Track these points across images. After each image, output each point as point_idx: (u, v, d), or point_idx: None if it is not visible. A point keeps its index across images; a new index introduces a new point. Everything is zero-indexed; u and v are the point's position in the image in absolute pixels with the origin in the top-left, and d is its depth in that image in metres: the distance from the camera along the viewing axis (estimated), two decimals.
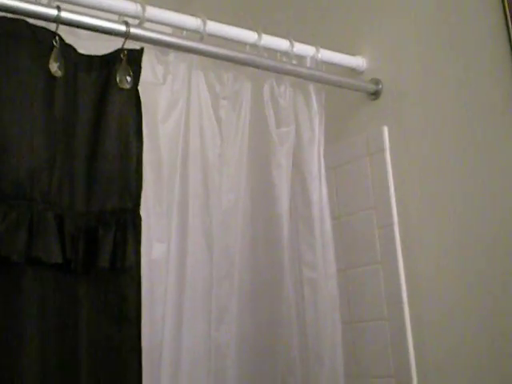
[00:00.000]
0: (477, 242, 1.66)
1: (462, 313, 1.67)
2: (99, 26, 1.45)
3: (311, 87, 1.83)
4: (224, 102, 1.69)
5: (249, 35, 1.73)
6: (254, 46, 1.72)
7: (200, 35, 1.62)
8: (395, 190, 1.84)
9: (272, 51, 1.77)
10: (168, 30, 1.66)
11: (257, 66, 1.72)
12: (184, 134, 1.60)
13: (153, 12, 1.56)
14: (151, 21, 1.56)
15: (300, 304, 1.74)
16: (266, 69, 1.74)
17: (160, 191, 1.54)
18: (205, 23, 1.62)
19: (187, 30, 1.63)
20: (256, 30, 1.73)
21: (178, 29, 1.65)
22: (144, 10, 1.53)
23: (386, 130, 1.87)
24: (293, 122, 1.79)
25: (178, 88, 1.60)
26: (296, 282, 1.75)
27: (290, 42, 1.78)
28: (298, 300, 1.74)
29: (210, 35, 1.64)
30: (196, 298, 1.56)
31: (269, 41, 1.75)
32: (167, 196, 1.56)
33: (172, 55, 1.59)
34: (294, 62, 1.79)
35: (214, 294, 1.60)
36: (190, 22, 1.62)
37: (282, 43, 1.78)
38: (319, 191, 1.78)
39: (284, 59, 1.79)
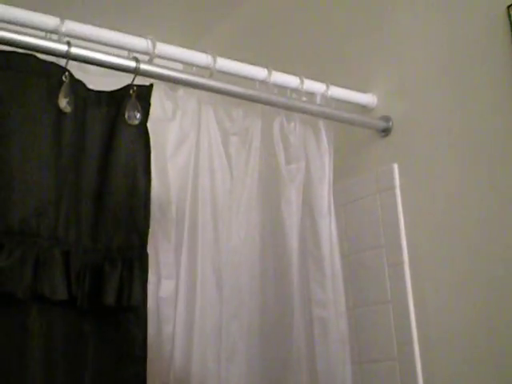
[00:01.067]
0: (488, 281, 1.63)
1: (474, 354, 1.64)
2: (109, 62, 1.45)
3: (321, 124, 1.82)
4: (234, 138, 1.69)
5: (259, 72, 1.72)
6: (263, 82, 1.72)
7: (210, 71, 1.61)
8: (405, 227, 1.82)
9: (282, 88, 1.77)
10: (178, 65, 1.65)
11: (267, 103, 1.71)
12: (194, 169, 1.60)
13: (163, 48, 1.56)
14: (161, 57, 1.56)
15: (310, 343, 1.70)
16: (276, 105, 1.73)
17: (169, 227, 1.53)
18: (215, 60, 1.62)
19: (197, 66, 1.63)
20: (266, 67, 1.73)
21: (188, 65, 1.65)
22: (154, 46, 1.54)
23: (396, 167, 1.86)
24: (303, 159, 1.78)
25: (188, 124, 1.60)
26: (306, 320, 1.72)
27: (300, 78, 1.77)
28: (308, 339, 1.71)
29: (220, 71, 1.64)
30: (205, 337, 1.53)
31: (279, 77, 1.75)
32: (176, 232, 1.54)
33: (181, 91, 1.59)
34: (304, 98, 1.79)
35: (223, 333, 1.57)
36: (200, 58, 1.62)
37: (291, 80, 1.78)
38: (329, 229, 1.76)
39: (294, 96, 1.78)
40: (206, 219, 1.59)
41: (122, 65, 1.46)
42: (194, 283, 1.54)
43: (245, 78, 1.71)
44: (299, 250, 1.72)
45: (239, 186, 1.69)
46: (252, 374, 1.64)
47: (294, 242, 1.71)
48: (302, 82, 1.77)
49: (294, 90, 1.78)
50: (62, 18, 1.41)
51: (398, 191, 1.84)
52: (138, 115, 1.46)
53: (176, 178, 1.55)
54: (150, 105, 1.48)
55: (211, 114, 1.65)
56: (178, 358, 1.49)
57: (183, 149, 1.58)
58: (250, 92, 1.67)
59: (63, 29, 1.41)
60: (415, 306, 1.77)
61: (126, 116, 1.44)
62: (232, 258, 1.64)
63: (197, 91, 1.61)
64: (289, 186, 1.74)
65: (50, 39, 1.39)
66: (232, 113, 1.69)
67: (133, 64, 1.47)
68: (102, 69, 1.46)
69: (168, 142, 1.56)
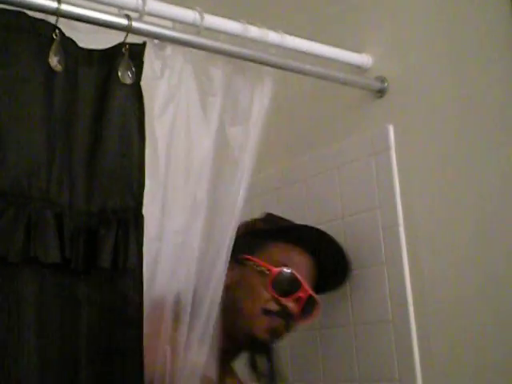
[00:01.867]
0: (486, 242, 1.62)
1: (469, 318, 1.64)
2: (100, 20, 1.40)
3: (265, 79, 1.70)
4: (211, 98, 1.62)
5: (249, 30, 1.66)
6: (258, 41, 1.67)
7: (197, 29, 1.57)
8: (400, 190, 1.80)
9: (270, 46, 1.70)
10: (166, 23, 1.60)
11: (257, 61, 1.66)
12: (178, 129, 1.54)
13: (152, 5, 1.51)
14: (151, 15, 1.52)
15: None
16: (265, 64, 1.68)
17: (156, 188, 1.49)
18: (202, 17, 1.57)
19: (186, 23, 1.58)
20: (256, 25, 1.67)
21: (177, 22, 1.60)
22: (144, 3, 1.49)
23: (391, 128, 1.83)
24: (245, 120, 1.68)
25: (175, 83, 1.55)
26: None
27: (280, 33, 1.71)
28: None
29: (208, 29, 1.59)
30: None
31: (270, 36, 1.69)
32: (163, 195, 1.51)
33: (169, 49, 1.55)
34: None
35: None
36: (188, 15, 1.57)
37: (283, 39, 1.72)
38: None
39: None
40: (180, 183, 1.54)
41: (114, 22, 1.42)
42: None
43: (236, 36, 1.65)
44: None
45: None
46: None
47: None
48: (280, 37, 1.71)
49: (285, 49, 1.73)
50: None
51: (393, 153, 1.82)
52: (131, 74, 1.42)
53: (163, 138, 1.51)
54: (143, 63, 1.44)
55: (193, 74, 1.59)
56: None
57: (170, 108, 1.54)
58: (241, 50, 1.63)
59: None
60: (410, 268, 1.75)
61: (119, 75, 1.40)
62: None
63: (182, 50, 1.56)
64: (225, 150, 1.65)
65: None
66: (211, 72, 1.63)
67: (125, 21, 1.43)
68: (91, 27, 1.41)
69: (156, 101, 1.52)
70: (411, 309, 1.74)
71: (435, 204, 1.73)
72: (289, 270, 1.70)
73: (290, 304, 1.69)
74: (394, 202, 1.80)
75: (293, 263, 1.72)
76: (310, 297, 1.72)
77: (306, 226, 1.79)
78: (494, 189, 1.62)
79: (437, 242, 1.72)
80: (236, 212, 1.60)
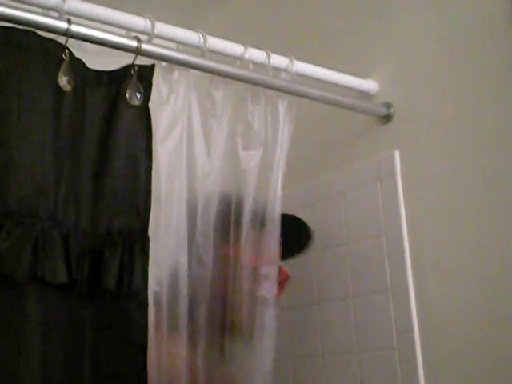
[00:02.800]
0: (491, 269, 1.61)
1: (476, 343, 1.63)
2: (110, 41, 1.41)
3: (280, 106, 1.72)
4: (212, 120, 1.62)
5: (255, 54, 1.68)
6: (262, 65, 1.68)
7: (201, 51, 1.57)
8: (406, 216, 1.79)
9: (279, 71, 1.72)
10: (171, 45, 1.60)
11: (266, 86, 1.67)
12: (180, 154, 1.54)
13: (162, 28, 1.52)
14: (159, 37, 1.52)
15: None
16: (276, 89, 1.69)
17: (158, 213, 1.48)
18: (205, 39, 1.58)
19: (191, 46, 1.58)
20: (265, 50, 1.69)
21: (183, 45, 1.60)
22: (153, 25, 1.49)
23: (397, 154, 1.83)
24: (261, 145, 1.69)
25: (179, 107, 1.55)
26: None
27: (290, 59, 1.72)
28: None
29: (210, 51, 1.60)
30: None
31: (276, 60, 1.70)
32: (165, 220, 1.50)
33: (176, 73, 1.55)
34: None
35: None
36: (194, 38, 1.58)
37: (289, 63, 1.73)
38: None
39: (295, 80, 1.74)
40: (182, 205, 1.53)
41: (123, 44, 1.42)
42: None
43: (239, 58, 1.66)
44: None
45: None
46: None
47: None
48: (292, 62, 1.72)
49: (290, 73, 1.73)
50: None
51: (398, 178, 1.82)
52: (139, 96, 1.42)
53: (166, 164, 1.50)
54: (151, 85, 1.44)
55: (196, 98, 1.59)
56: None
57: (174, 133, 1.54)
58: (249, 74, 1.64)
59: (65, 6, 1.36)
60: (416, 295, 1.74)
61: (127, 96, 1.40)
62: None
63: (187, 74, 1.56)
64: (245, 172, 1.67)
65: (50, 16, 1.34)
66: (214, 95, 1.63)
67: (134, 43, 1.43)
68: (100, 49, 1.42)
69: (160, 126, 1.51)
70: (417, 337, 1.72)
71: (441, 230, 1.72)
72: None
73: None
74: (399, 229, 1.79)
75: None
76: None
77: None
78: (500, 214, 1.61)
79: (443, 268, 1.71)
80: None
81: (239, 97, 1.67)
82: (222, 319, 1.60)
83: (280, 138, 1.70)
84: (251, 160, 1.66)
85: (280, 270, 1.73)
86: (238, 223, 1.63)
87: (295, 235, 1.90)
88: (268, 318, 1.62)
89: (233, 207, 1.65)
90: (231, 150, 1.65)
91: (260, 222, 1.65)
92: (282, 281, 1.78)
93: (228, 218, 1.65)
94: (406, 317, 1.74)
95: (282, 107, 1.71)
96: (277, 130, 1.70)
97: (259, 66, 1.68)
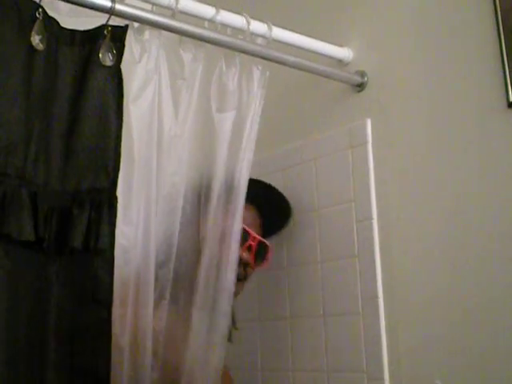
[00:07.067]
0: (458, 237, 1.64)
1: (439, 310, 1.66)
2: (84, 1, 1.40)
3: (254, 69, 1.72)
4: (181, 82, 1.62)
5: (231, 18, 1.67)
6: (240, 29, 1.68)
7: (172, 12, 1.57)
8: (376, 184, 1.82)
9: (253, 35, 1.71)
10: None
11: (242, 51, 1.68)
12: (152, 114, 1.53)
13: None
14: None
15: None
16: (248, 53, 1.69)
17: (130, 172, 1.49)
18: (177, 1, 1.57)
19: (160, 6, 1.57)
20: (242, 14, 1.69)
21: (151, 4, 1.59)
22: None
23: (369, 122, 1.85)
24: (234, 107, 1.70)
25: (151, 67, 1.54)
26: None
27: (268, 25, 1.72)
28: None
29: (182, 12, 1.59)
30: None
31: (252, 25, 1.70)
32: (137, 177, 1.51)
33: (147, 33, 1.54)
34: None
35: None
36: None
37: (263, 27, 1.73)
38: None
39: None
40: (152, 166, 1.53)
41: (98, 4, 1.42)
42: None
43: (221, 24, 1.66)
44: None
45: (179, 132, 1.62)
46: None
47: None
48: (270, 29, 1.72)
49: (267, 39, 1.73)
50: None
51: (369, 146, 1.84)
52: (112, 56, 1.42)
53: (138, 122, 1.51)
54: (124, 46, 1.44)
55: (165, 59, 1.59)
56: None
57: (146, 92, 1.54)
58: (221, 37, 1.64)
59: None
60: (382, 261, 1.78)
61: (100, 56, 1.40)
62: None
63: (158, 34, 1.56)
64: (219, 135, 1.68)
65: None
66: (182, 57, 1.63)
67: (108, 3, 1.43)
68: (72, 9, 1.41)
69: (133, 85, 1.52)
70: (381, 302, 1.76)
71: (409, 199, 1.75)
72: None
73: (243, 254, 1.75)
74: (368, 196, 1.82)
75: None
76: (260, 243, 1.81)
77: None
78: (469, 183, 1.64)
79: (409, 236, 1.74)
80: None
81: (213, 60, 1.67)
82: (189, 281, 1.62)
83: (254, 102, 1.71)
84: (224, 123, 1.67)
85: (248, 234, 1.77)
86: (209, 187, 1.65)
87: (278, 210, 1.95)
88: (228, 282, 1.64)
89: (205, 172, 1.66)
90: (205, 111, 1.66)
91: (229, 186, 1.66)
92: (268, 256, 1.85)
93: (199, 181, 1.67)
94: (372, 283, 1.78)
95: (257, 72, 1.72)
96: (251, 93, 1.71)
97: (237, 30, 1.68)
